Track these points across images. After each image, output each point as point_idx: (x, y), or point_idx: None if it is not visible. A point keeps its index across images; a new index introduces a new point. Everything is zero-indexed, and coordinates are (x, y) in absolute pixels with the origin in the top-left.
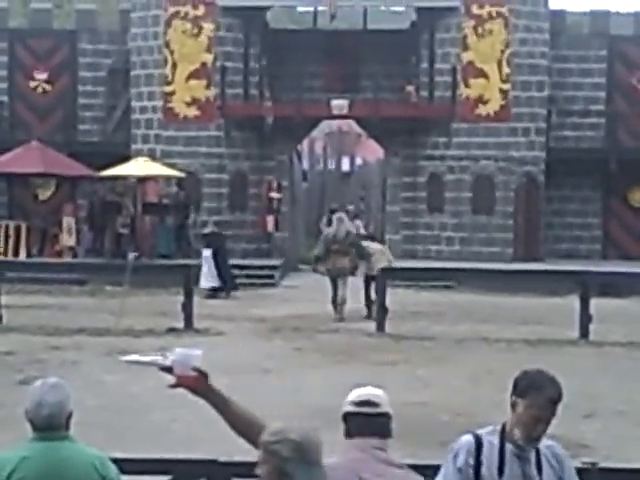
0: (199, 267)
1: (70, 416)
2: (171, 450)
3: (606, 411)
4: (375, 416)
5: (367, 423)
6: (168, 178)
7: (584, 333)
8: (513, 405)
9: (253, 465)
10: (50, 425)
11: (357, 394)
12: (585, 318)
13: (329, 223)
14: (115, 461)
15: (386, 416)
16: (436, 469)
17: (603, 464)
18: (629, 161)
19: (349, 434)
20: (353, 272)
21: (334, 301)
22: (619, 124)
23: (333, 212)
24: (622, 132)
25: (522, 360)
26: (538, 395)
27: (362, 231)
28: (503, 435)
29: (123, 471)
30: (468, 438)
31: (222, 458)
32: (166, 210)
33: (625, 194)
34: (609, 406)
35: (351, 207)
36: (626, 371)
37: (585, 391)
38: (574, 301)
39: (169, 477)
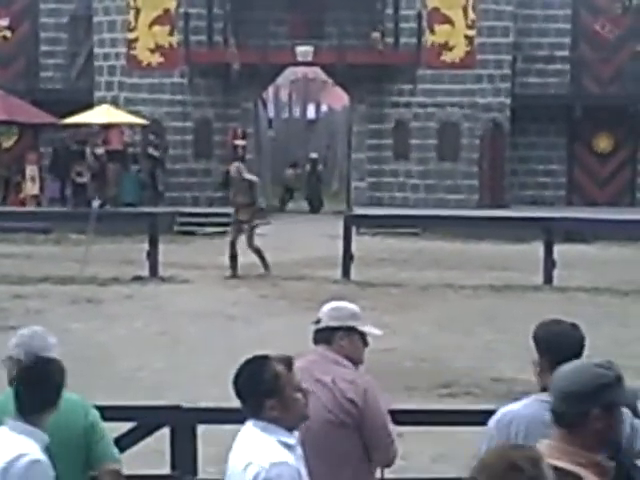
0: (165, 214)
1: None
2: (137, 398)
3: None
4: (320, 330)
5: (316, 335)
6: (132, 125)
7: (548, 279)
8: None
9: (217, 411)
10: None
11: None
12: (549, 264)
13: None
14: None
15: (328, 329)
16: (401, 413)
17: None
18: (594, 107)
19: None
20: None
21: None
22: (584, 70)
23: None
24: (587, 78)
25: (487, 306)
26: None
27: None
28: None
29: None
30: None
31: (186, 404)
32: (133, 158)
33: (590, 141)
34: None
35: (314, 155)
36: (589, 316)
37: None
38: (539, 247)
39: (133, 424)
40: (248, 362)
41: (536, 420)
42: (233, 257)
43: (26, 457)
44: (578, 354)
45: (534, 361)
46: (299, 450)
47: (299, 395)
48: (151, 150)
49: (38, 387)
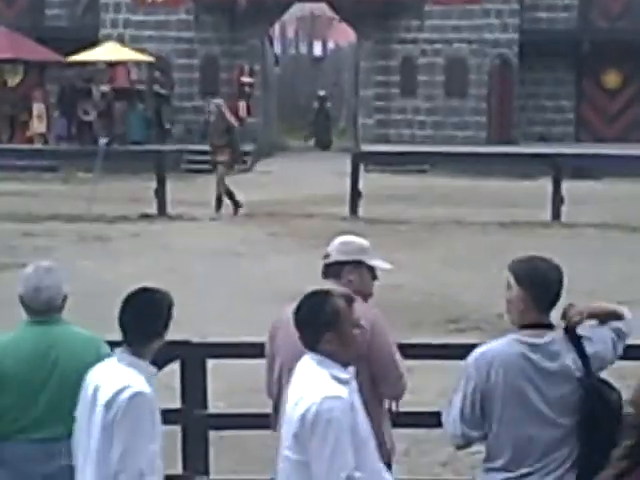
0: (172, 152)
1: (65, 299)
2: None
3: (577, 290)
4: (329, 265)
5: (325, 270)
6: (138, 63)
7: (556, 215)
8: None
9: (226, 346)
10: (48, 308)
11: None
12: (557, 200)
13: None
14: None
15: (336, 263)
16: (408, 347)
17: None
18: (602, 43)
19: None
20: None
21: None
22: (592, 5)
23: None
24: (595, 13)
25: (495, 242)
26: None
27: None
28: None
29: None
30: None
31: (195, 339)
32: (139, 96)
33: (598, 76)
34: (580, 286)
35: (323, 92)
36: (598, 251)
37: None
38: (547, 184)
39: None
40: (310, 295)
41: (515, 361)
42: (230, 194)
43: (130, 389)
44: (560, 291)
45: (509, 296)
46: (354, 384)
47: (356, 331)
48: (157, 88)
49: (143, 317)
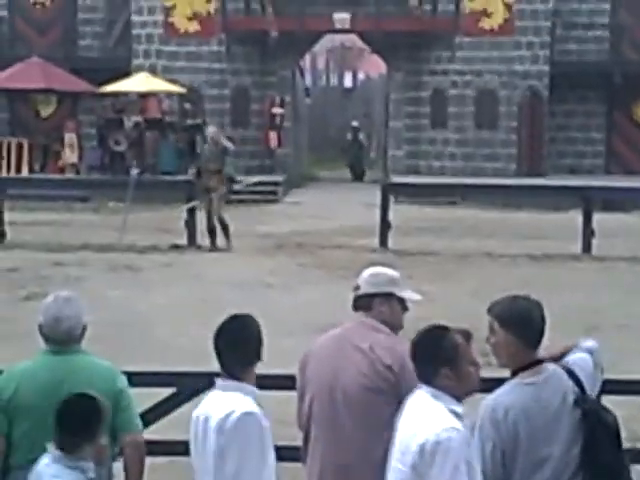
0: None
1: (85, 329)
2: (176, 364)
3: (608, 325)
4: (359, 297)
5: (355, 302)
6: (169, 94)
7: (587, 248)
8: None
9: (257, 378)
10: (68, 338)
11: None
12: (588, 233)
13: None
14: None
15: (367, 295)
16: None
17: (604, 376)
18: (633, 75)
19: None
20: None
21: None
22: (624, 37)
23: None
24: (626, 45)
25: (525, 275)
26: None
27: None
28: None
29: (128, 384)
30: None
31: None
32: (170, 126)
33: (629, 108)
34: (611, 320)
35: (356, 123)
36: (628, 285)
37: (587, 305)
38: (577, 216)
39: (173, 390)
40: (428, 330)
41: (528, 407)
42: (226, 228)
43: (238, 410)
44: (544, 326)
45: (494, 341)
46: (465, 420)
47: (473, 368)
48: (190, 121)
49: (237, 344)
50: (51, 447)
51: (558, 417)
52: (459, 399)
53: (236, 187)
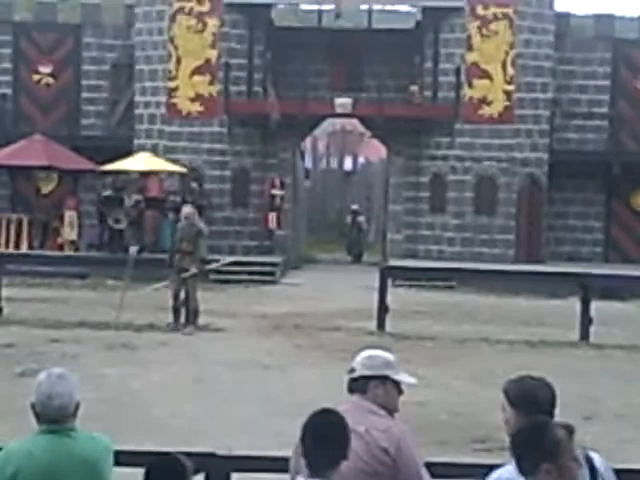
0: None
1: (78, 406)
2: (170, 444)
3: (606, 413)
4: (354, 380)
5: (350, 385)
6: (171, 174)
7: (585, 335)
8: None
9: (251, 459)
10: (61, 416)
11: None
12: (586, 320)
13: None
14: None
15: (362, 378)
16: (432, 466)
17: None
18: (632, 164)
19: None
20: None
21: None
22: (623, 127)
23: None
24: (625, 135)
25: (523, 361)
26: None
27: None
28: None
29: (120, 463)
30: None
31: (220, 452)
32: (172, 205)
33: (628, 197)
34: (609, 409)
35: (355, 206)
36: (626, 374)
37: (585, 393)
38: (575, 303)
39: None
40: (531, 422)
41: None
42: (196, 311)
43: None
44: (553, 407)
45: (505, 418)
46: None
47: (574, 464)
48: (196, 199)
49: (326, 443)
50: None
51: None
52: None
53: (211, 267)
